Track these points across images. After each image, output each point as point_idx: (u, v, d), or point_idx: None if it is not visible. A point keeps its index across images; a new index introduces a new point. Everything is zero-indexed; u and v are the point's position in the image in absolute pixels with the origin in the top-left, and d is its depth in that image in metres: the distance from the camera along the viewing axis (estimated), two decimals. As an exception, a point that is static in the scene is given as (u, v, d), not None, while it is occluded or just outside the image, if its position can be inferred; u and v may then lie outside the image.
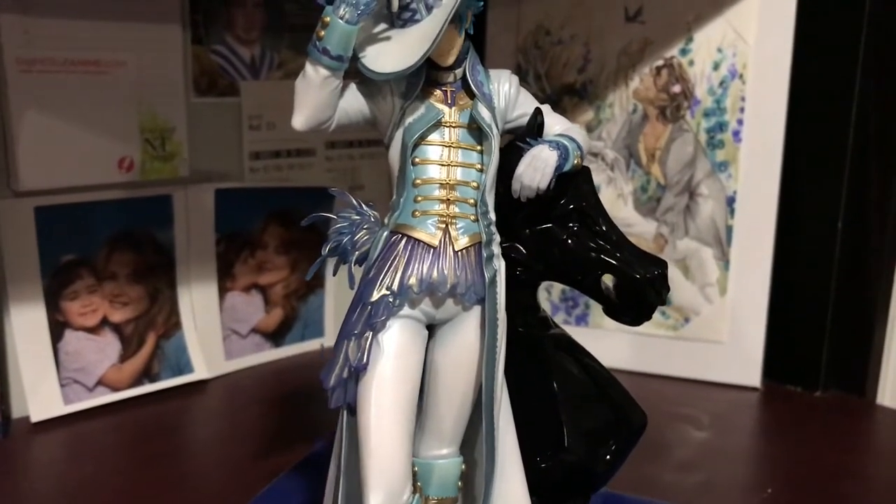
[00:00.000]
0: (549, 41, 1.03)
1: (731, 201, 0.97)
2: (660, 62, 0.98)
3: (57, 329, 0.87)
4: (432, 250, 0.51)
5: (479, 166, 0.52)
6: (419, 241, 0.51)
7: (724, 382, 0.98)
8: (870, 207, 0.93)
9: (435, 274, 0.51)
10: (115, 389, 0.90)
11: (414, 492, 0.52)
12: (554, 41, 1.02)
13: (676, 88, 0.98)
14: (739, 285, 0.97)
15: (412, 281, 0.51)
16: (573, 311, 1.04)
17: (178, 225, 0.94)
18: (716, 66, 0.96)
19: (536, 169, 0.53)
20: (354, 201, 0.53)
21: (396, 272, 0.51)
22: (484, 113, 0.52)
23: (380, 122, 0.52)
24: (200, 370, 0.96)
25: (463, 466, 0.55)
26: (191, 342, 0.96)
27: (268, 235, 1.02)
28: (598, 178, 1.01)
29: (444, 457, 0.54)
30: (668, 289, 0.56)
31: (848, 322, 0.95)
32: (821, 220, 0.95)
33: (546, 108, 0.56)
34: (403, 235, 0.51)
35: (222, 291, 1.00)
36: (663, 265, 0.56)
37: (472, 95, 0.53)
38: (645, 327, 1.01)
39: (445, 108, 0.52)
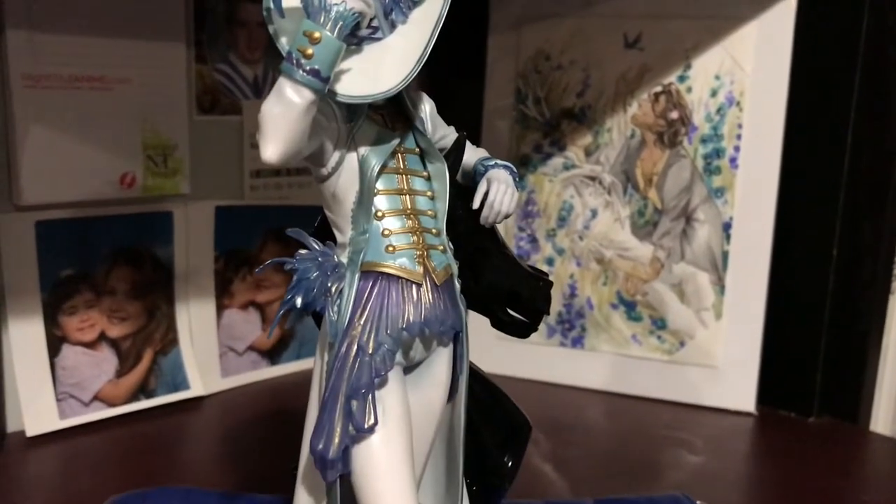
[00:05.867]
0: (548, 66, 1.04)
1: (727, 227, 0.98)
2: (658, 88, 0.99)
3: (54, 343, 0.87)
4: (416, 287, 0.48)
5: (429, 193, 0.50)
6: (400, 278, 0.47)
7: (719, 407, 0.98)
8: (864, 235, 0.94)
9: (426, 313, 0.48)
10: (111, 405, 0.90)
11: None
12: (553, 66, 1.03)
13: (674, 114, 0.99)
14: (735, 310, 0.98)
15: (407, 323, 0.47)
16: (569, 334, 1.05)
17: (178, 241, 0.95)
18: (713, 94, 0.97)
19: (506, 193, 0.51)
20: (315, 244, 0.48)
21: (388, 316, 0.47)
22: (425, 137, 0.50)
23: (325, 150, 0.46)
24: (196, 387, 0.96)
25: None
26: (187, 359, 0.96)
27: (266, 253, 1.03)
28: (595, 201, 1.02)
29: None
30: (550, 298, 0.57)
31: (842, 348, 0.96)
32: (815, 247, 0.96)
33: (452, 130, 0.55)
34: (380, 275, 0.47)
35: (220, 308, 1.00)
36: (547, 275, 0.57)
37: (405, 118, 0.50)
38: (640, 350, 1.03)
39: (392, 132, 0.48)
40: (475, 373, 0.58)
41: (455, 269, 0.51)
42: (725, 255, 0.98)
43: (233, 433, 0.89)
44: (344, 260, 0.48)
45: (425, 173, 0.50)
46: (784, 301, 0.98)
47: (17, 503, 0.73)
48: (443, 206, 0.50)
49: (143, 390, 0.93)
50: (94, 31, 0.85)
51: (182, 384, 0.96)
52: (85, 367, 0.89)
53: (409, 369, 0.50)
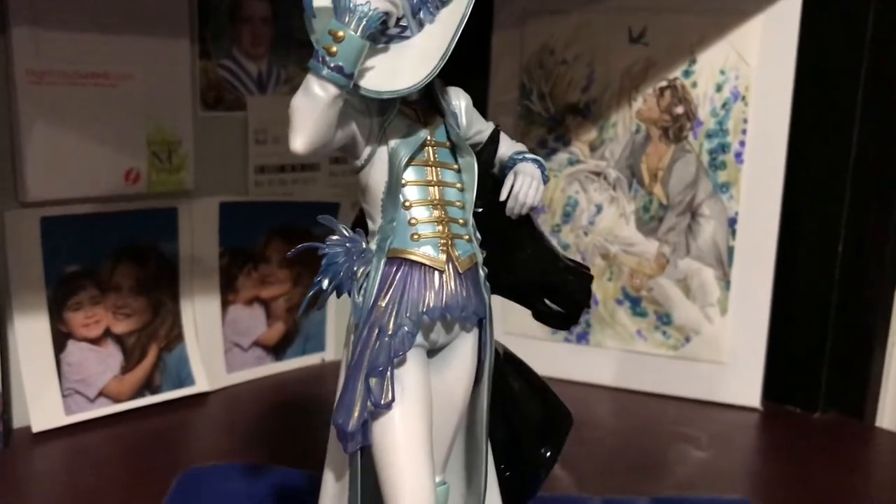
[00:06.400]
0: (553, 61, 1.03)
1: (732, 222, 0.97)
2: (663, 83, 0.99)
3: (60, 339, 0.87)
4: (439, 274, 0.50)
5: (459, 185, 0.52)
6: (424, 265, 0.49)
7: (724, 402, 0.98)
8: (870, 229, 0.93)
9: (447, 299, 0.49)
10: (117, 401, 0.90)
11: None
12: (558, 61, 1.03)
13: (679, 109, 0.99)
14: (740, 306, 0.98)
15: (427, 308, 0.49)
16: (574, 330, 1.05)
17: (183, 237, 0.95)
18: (718, 88, 0.97)
19: (531, 186, 0.53)
20: (343, 229, 0.50)
21: (409, 300, 0.49)
22: (457, 131, 0.52)
23: (358, 142, 0.49)
24: (202, 383, 0.96)
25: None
26: (192, 355, 0.96)
27: (271, 249, 1.03)
28: (600, 197, 1.02)
29: (437, 484, 0.52)
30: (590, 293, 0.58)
31: (847, 344, 0.96)
32: (821, 242, 0.96)
33: (490, 125, 0.57)
34: (404, 261, 0.49)
35: (225, 304, 1.00)
36: (588, 268, 0.58)
37: (438, 113, 0.52)
38: (646, 346, 1.03)
39: (423, 127, 0.50)
40: (517, 361, 0.60)
41: (480, 258, 0.52)
42: (731, 250, 0.98)
43: (238, 429, 0.89)
44: (373, 247, 0.50)
45: (456, 166, 0.52)
46: (789, 296, 0.97)
47: (24, 498, 0.73)
48: (471, 197, 0.52)
49: (148, 386, 0.93)
50: (99, 28, 0.85)
51: (187, 380, 0.96)
52: (90, 363, 0.89)
53: (433, 353, 0.52)
